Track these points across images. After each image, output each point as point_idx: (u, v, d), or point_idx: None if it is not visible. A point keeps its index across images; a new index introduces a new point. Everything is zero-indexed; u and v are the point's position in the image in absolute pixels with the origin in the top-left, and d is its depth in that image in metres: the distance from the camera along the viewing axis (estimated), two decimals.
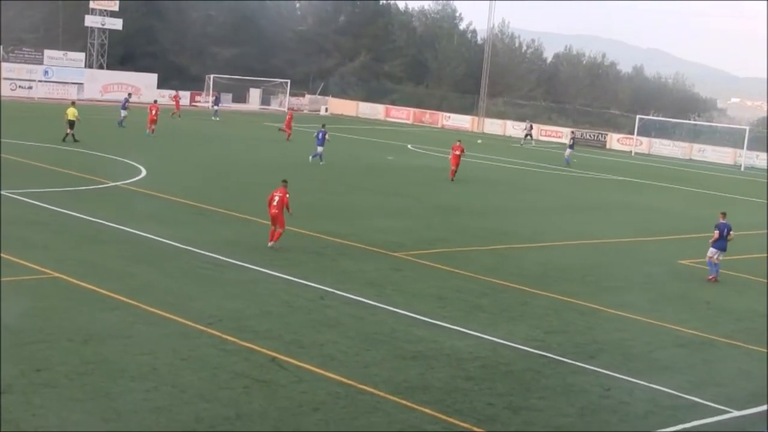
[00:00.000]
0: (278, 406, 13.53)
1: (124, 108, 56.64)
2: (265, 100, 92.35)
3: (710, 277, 25.38)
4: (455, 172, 43.89)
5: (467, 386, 15.03)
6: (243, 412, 13.18)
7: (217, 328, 16.80)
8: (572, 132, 69.08)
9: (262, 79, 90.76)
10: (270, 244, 24.24)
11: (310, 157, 45.41)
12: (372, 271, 22.86)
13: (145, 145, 47.24)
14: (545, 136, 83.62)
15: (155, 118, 52.22)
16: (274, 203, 24.31)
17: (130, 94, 64.19)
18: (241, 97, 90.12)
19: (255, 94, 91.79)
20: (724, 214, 26.24)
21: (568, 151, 60.36)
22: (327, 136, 45.70)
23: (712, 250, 25.58)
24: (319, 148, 45.30)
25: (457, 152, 44.22)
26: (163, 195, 31.15)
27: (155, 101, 57.57)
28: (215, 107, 72.46)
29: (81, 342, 15.52)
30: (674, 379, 16.31)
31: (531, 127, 79.13)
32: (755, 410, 15.14)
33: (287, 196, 24.42)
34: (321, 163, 44.88)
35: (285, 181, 25.08)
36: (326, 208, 32.44)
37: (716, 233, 25.63)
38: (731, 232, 25.72)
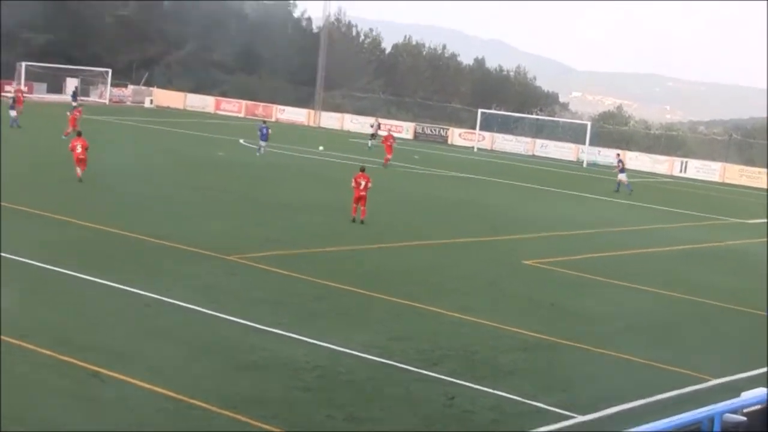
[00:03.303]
0: (101, 423, 13.21)
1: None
2: (83, 91, 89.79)
3: None
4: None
5: (305, 397, 15.05)
6: None
7: (31, 342, 16.24)
8: (618, 154, 61.57)
9: (79, 67, 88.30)
10: None
11: (262, 151, 53.10)
12: (203, 276, 22.60)
13: None
14: (386, 131, 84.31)
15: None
16: None
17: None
18: (56, 87, 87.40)
19: (72, 83, 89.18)
20: None
21: (621, 176, 54.46)
22: (269, 131, 54.22)
23: None
24: (263, 143, 53.34)
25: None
26: None
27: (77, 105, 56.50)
28: (74, 103, 69.42)
29: None
30: (518, 384, 16.78)
31: (379, 126, 73.96)
32: (598, 414, 15.73)
33: None
34: (259, 153, 52.84)
35: None
36: (152, 208, 31.89)
37: None
38: None
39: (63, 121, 63.75)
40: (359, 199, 32.22)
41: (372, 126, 73.89)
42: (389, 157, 54.33)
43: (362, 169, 33.01)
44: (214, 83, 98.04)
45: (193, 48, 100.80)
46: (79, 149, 35.94)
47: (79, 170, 35.73)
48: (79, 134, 37.66)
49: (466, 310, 21.72)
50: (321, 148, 60.96)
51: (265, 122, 57.93)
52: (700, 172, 72.98)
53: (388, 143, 55.67)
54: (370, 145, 67.88)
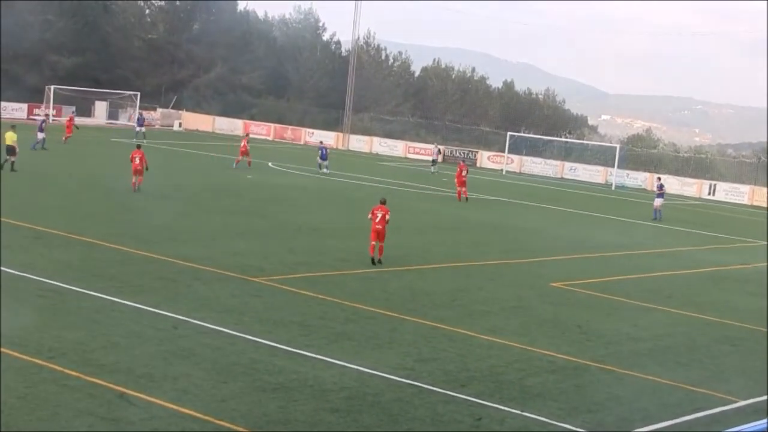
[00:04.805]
0: None
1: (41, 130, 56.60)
2: (112, 114, 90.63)
3: None
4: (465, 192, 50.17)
5: (332, 419, 15.04)
6: None
7: (58, 363, 16.34)
8: (659, 178, 56.24)
9: (108, 90, 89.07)
10: None
11: (325, 170, 58.87)
12: (230, 298, 22.67)
13: None
14: (414, 153, 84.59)
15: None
16: None
17: (47, 115, 65.78)
18: (85, 111, 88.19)
19: (101, 107, 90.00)
20: None
21: (658, 201, 51.42)
22: (327, 151, 60.88)
23: None
24: (324, 162, 59.43)
25: (464, 173, 50.21)
26: None
27: (245, 137, 60.92)
28: (139, 128, 71.96)
29: None
30: (546, 406, 16.70)
31: (439, 151, 73.93)
32: None
33: None
34: (327, 171, 58.40)
35: None
36: (179, 231, 32.04)
37: None
38: None
39: (94, 145, 64.41)
40: (377, 235, 28.71)
41: (435, 152, 73.23)
42: (464, 189, 50.62)
43: (383, 201, 29.67)
44: (242, 106, 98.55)
45: (222, 71, 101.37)
46: (137, 161, 39.93)
47: (134, 179, 39.89)
48: (138, 147, 41.62)
49: (493, 332, 21.67)
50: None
51: (322, 142, 66.82)
52: (729, 195, 72.60)
53: (462, 176, 50.68)
54: (432, 170, 67.82)
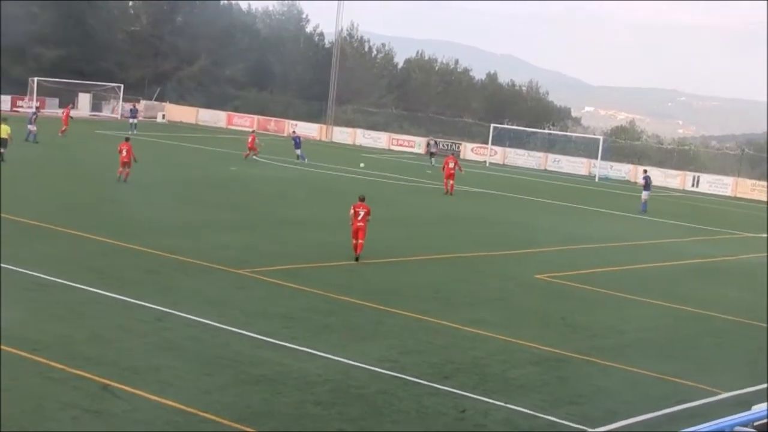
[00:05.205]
0: None
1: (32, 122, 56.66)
2: (96, 106, 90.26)
3: None
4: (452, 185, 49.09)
5: (316, 411, 15.05)
6: None
7: (42, 355, 16.30)
8: (645, 171, 57.92)
9: (92, 82, 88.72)
10: None
11: (304, 160, 60.11)
12: (213, 290, 22.65)
13: None
14: (398, 145, 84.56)
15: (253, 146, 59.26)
16: None
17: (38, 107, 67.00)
18: (68, 102, 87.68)
19: (84, 99, 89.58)
20: None
21: (645, 194, 51.93)
22: (301, 139, 63.26)
23: None
24: (298, 151, 60.91)
25: (451, 164, 49.34)
26: None
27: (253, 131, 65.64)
28: (132, 120, 71.86)
29: None
30: (530, 398, 16.75)
31: (436, 144, 73.61)
32: (610, 427, 15.70)
33: None
34: (306, 161, 59.51)
35: None
36: (163, 223, 31.96)
37: None
38: None
39: (78, 137, 64.13)
40: (357, 232, 28.29)
41: (433, 145, 73.07)
42: (452, 182, 49.75)
43: (362, 198, 28.98)
44: (226, 99, 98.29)
45: (205, 63, 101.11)
46: (124, 153, 40.78)
47: (120, 170, 40.59)
48: (126, 139, 42.28)
49: (477, 324, 21.71)
50: (362, 165, 60.96)
51: (294, 132, 69.25)
52: (713, 187, 72.91)
53: (450, 168, 49.76)
54: (433, 163, 66.92)
